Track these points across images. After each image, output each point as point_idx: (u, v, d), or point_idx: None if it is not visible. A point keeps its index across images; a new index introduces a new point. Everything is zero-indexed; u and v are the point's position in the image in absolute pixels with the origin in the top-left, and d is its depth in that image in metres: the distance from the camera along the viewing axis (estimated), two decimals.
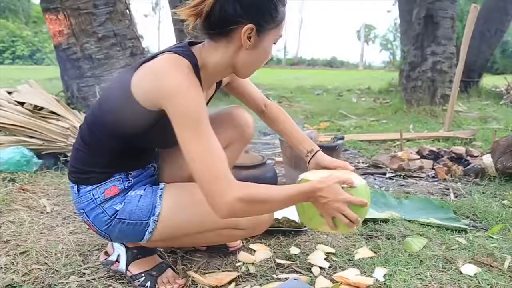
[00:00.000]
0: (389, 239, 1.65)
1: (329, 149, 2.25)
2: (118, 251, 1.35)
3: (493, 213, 1.95)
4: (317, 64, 39.71)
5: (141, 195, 1.20)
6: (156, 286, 1.28)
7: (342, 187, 1.11)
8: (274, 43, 1.15)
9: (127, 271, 1.31)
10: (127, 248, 1.33)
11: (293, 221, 1.66)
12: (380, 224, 1.79)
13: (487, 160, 2.65)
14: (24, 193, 2.08)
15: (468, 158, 2.88)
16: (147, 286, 1.28)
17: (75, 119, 2.54)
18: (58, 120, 2.49)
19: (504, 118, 5.06)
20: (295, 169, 2.27)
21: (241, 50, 1.10)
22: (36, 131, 2.43)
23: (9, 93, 2.61)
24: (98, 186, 1.19)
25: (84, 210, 1.21)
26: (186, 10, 1.06)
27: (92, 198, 1.19)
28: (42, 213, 1.86)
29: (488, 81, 9.04)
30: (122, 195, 1.20)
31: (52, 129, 2.44)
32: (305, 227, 1.69)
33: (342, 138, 2.37)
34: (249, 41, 1.08)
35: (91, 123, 1.19)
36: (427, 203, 2.07)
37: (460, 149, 2.98)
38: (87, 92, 3.07)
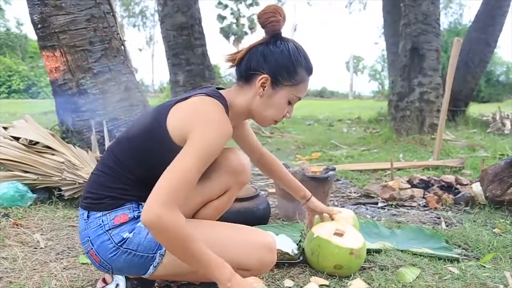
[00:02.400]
0: (382, 270, 1.66)
1: (321, 180, 2.29)
2: (118, 280, 1.35)
3: (485, 242, 1.97)
4: (307, 94, 40.19)
5: None
6: None
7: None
8: (291, 103, 1.29)
9: None
10: (127, 278, 1.35)
11: (286, 253, 1.67)
12: (373, 255, 1.80)
13: (477, 188, 2.69)
14: (18, 228, 2.07)
15: (458, 186, 2.93)
16: None
17: (70, 153, 2.56)
18: (53, 154, 2.50)
19: (491, 146, 5.16)
20: (288, 200, 2.30)
21: (256, 97, 1.25)
22: (31, 165, 2.44)
23: (5, 128, 2.63)
24: (108, 213, 1.22)
25: (90, 237, 1.22)
26: (226, 56, 1.29)
27: (100, 224, 1.21)
28: (35, 248, 1.85)
29: (474, 109, 9.26)
30: (131, 223, 1.22)
31: (46, 163, 2.44)
32: (298, 259, 1.70)
33: (334, 169, 2.41)
34: (263, 89, 1.23)
35: (119, 150, 1.25)
36: (419, 232, 2.10)
37: (450, 178, 3.03)
38: (82, 126, 3.09)
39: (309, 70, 1.27)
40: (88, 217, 1.23)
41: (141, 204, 1.25)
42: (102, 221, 1.21)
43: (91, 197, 1.24)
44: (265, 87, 1.24)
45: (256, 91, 1.24)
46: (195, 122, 1.12)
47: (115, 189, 1.23)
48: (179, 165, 1.06)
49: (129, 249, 1.20)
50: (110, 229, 1.21)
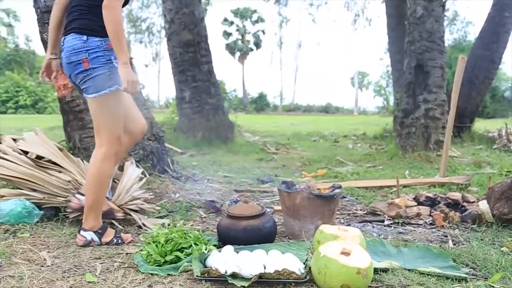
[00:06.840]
0: None
1: (328, 198, 2.29)
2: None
3: (493, 261, 1.95)
4: (312, 110, 40.41)
5: None
6: None
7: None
8: None
9: None
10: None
11: (293, 272, 1.66)
12: (380, 274, 1.79)
13: (484, 206, 2.67)
14: (24, 245, 2.07)
15: (465, 204, 2.91)
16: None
17: (76, 171, 2.58)
18: (60, 172, 2.52)
19: (497, 163, 5.12)
20: (294, 218, 2.30)
21: None
22: (38, 184, 2.44)
23: (15, 140, 2.65)
24: (104, 39, 1.99)
25: (88, 50, 1.97)
26: None
27: (99, 45, 1.99)
28: (42, 266, 1.85)
29: (480, 125, 9.21)
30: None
31: (53, 182, 2.45)
32: (305, 278, 1.69)
33: (340, 187, 2.41)
34: None
35: None
36: (426, 251, 2.08)
37: (456, 195, 3.01)
38: (89, 143, 3.12)
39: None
40: (87, 39, 1.96)
41: None
42: (100, 43, 1.98)
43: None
44: None
45: None
46: None
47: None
48: None
49: (112, 66, 1.99)
50: (105, 50, 1.98)
